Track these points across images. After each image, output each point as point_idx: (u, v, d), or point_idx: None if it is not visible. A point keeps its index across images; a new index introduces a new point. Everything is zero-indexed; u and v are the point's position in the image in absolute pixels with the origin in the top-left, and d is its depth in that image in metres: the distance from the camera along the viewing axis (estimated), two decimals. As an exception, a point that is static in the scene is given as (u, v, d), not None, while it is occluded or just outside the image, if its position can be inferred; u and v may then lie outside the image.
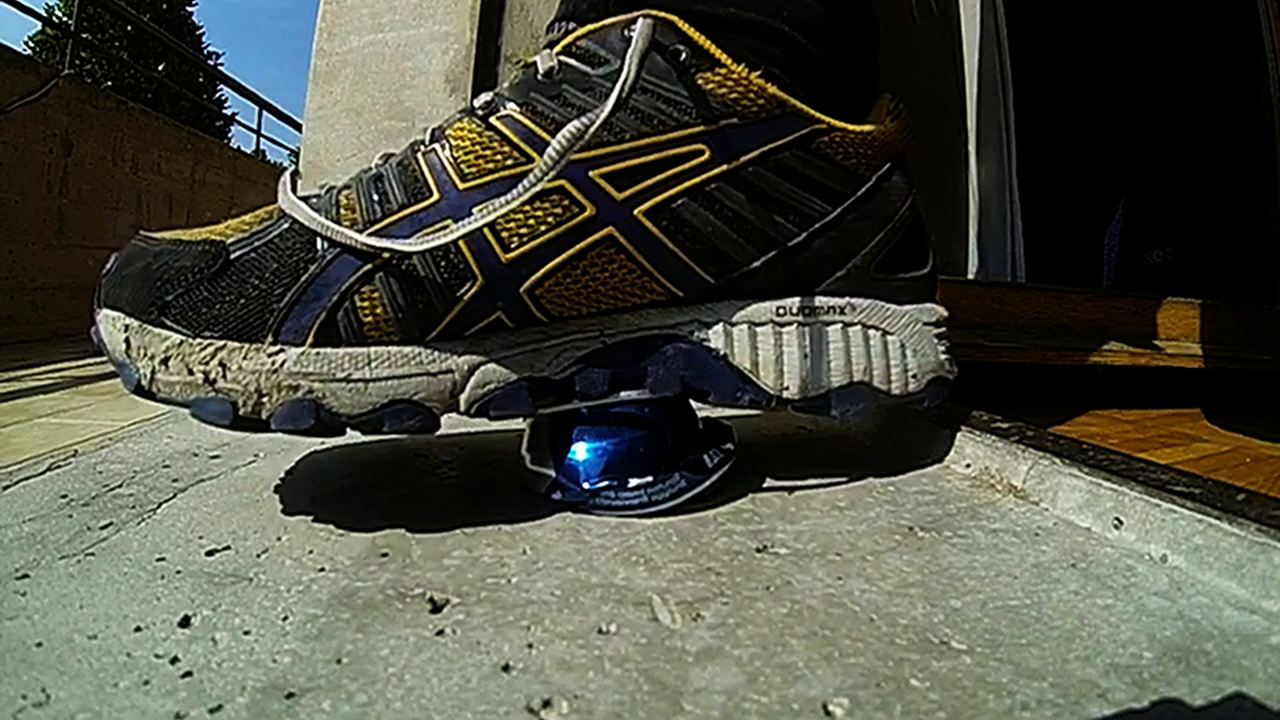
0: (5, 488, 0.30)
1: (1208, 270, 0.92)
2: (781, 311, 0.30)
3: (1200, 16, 0.96)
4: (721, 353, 0.30)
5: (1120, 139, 0.97)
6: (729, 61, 0.28)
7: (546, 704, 0.17)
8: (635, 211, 0.27)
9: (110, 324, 0.26)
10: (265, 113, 6.29)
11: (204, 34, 9.92)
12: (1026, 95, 0.84)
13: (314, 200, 0.28)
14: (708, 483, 0.29)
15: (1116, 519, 0.27)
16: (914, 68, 0.87)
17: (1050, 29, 0.92)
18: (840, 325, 0.30)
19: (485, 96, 0.28)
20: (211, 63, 9.62)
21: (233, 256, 0.27)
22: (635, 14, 0.27)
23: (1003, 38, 0.84)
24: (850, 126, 0.30)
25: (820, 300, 0.30)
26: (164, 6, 9.05)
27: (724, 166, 0.28)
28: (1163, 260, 0.99)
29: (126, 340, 0.26)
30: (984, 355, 0.59)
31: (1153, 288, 0.73)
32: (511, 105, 0.28)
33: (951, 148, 0.87)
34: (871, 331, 0.31)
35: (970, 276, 0.84)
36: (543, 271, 0.27)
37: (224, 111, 9.49)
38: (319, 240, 0.27)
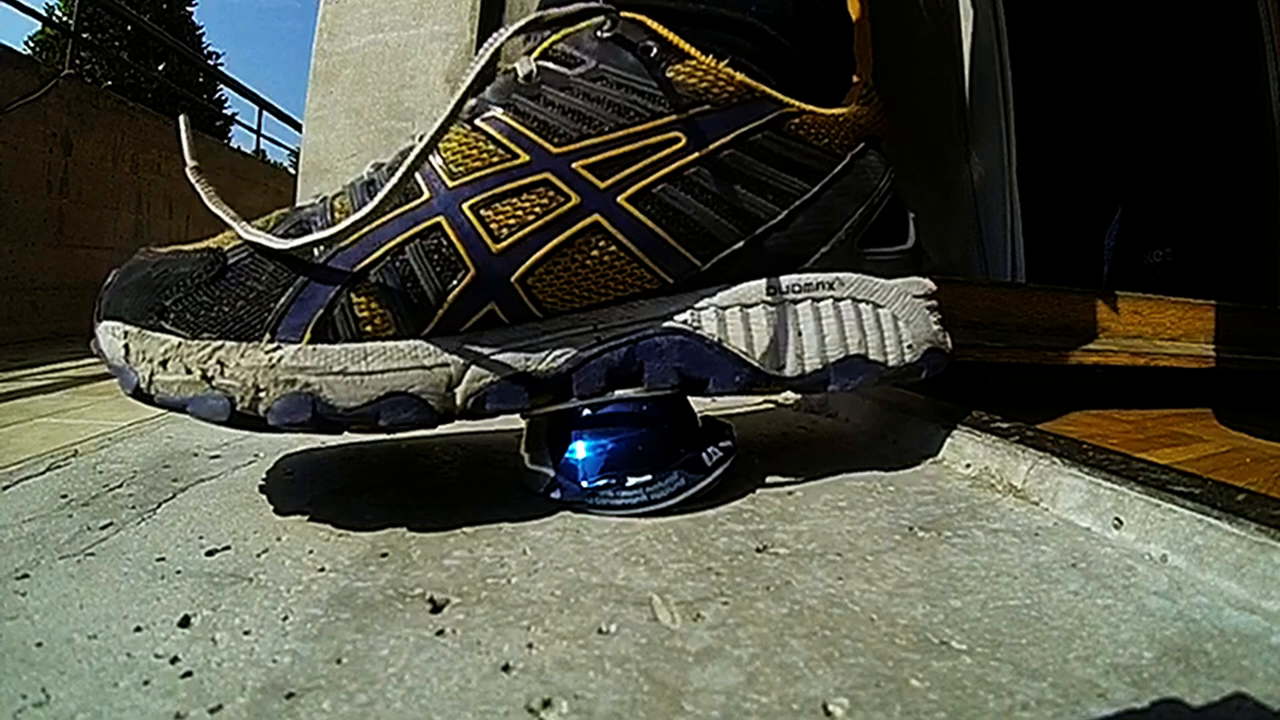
0: (5, 488, 0.30)
1: (1208, 270, 0.92)
2: (771, 291, 0.31)
3: (1200, 16, 0.96)
4: (716, 338, 0.30)
5: (1120, 139, 0.97)
6: (697, 53, 0.29)
7: (546, 704, 0.17)
8: (619, 199, 0.28)
9: (109, 333, 0.26)
10: (265, 113, 6.30)
11: (204, 34, 9.92)
12: (1026, 95, 0.84)
13: (309, 208, 0.29)
14: (707, 481, 0.29)
15: (1116, 519, 0.27)
16: (914, 66, 0.87)
17: (1050, 28, 0.92)
18: (831, 300, 0.31)
19: (470, 102, 0.29)
20: (211, 63, 9.61)
21: (230, 261, 0.27)
22: (598, 6, 0.28)
23: (1002, 37, 0.84)
24: (820, 109, 0.31)
25: (808, 277, 0.31)
26: (164, 6, 9.04)
27: (700, 151, 0.29)
28: (1163, 260, 0.99)
29: (126, 346, 0.26)
30: (984, 355, 0.58)
31: (1153, 288, 0.73)
32: (495, 108, 0.29)
33: (951, 147, 0.87)
34: (862, 305, 0.31)
35: (970, 276, 0.84)
36: (533, 260, 0.28)
37: (224, 111, 9.49)
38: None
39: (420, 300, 0.27)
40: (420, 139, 0.26)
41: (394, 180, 0.26)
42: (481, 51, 0.26)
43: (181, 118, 0.30)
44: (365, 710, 0.17)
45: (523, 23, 0.27)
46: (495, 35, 0.26)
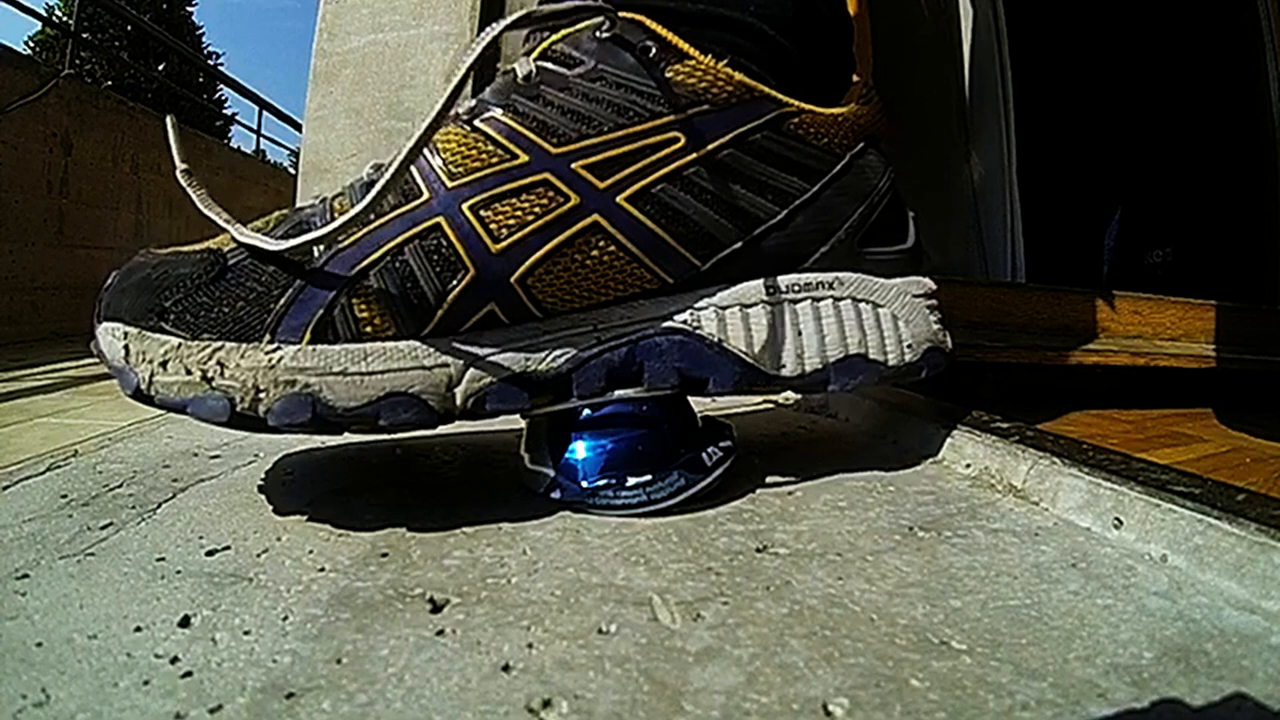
0: (5, 488, 0.30)
1: (1208, 270, 0.92)
2: (771, 290, 0.30)
3: (1200, 16, 0.96)
4: (716, 338, 0.30)
5: (1120, 139, 0.97)
6: (696, 53, 0.29)
7: (546, 704, 0.17)
8: (618, 199, 0.28)
9: (109, 334, 0.26)
10: (265, 113, 6.30)
11: (204, 34, 9.91)
12: (1026, 95, 0.84)
13: (309, 209, 0.29)
14: (707, 481, 0.29)
15: (1116, 519, 0.27)
16: (914, 66, 0.87)
17: (1050, 28, 0.92)
18: (830, 300, 0.31)
19: (469, 103, 0.30)
20: (211, 63, 9.60)
21: (230, 263, 0.27)
22: (594, 5, 0.28)
23: (1002, 37, 0.84)
24: (819, 109, 0.31)
25: (808, 277, 0.31)
26: (164, 6, 9.03)
27: (699, 151, 0.29)
28: (1163, 260, 0.99)
29: (126, 347, 0.26)
30: (984, 355, 0.58)
31: (1153, 288, 0.73)
32: (495, 109, 0.29)
33: (951, 147, 0.87)
34: (862, 305, 0.31)
35: (970, 276, 0.84)
36: (533, 260, 0.28)
37: (224, 111, 9.48)
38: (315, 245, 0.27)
39: (420, 301, 0.27)
40: (429, 119, 0.26)
41: (388, 174, 0.26)
42: (474, 44, 0.26)
43: (169, 119, 0.30)
44: (365, 710, 0.17)
45: (514, 18, 0.27)
46: (488, 29, 0.26)
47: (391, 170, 0.26)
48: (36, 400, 1.88)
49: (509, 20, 0.27)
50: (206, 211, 0.28)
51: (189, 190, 0.28)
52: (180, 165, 0.29)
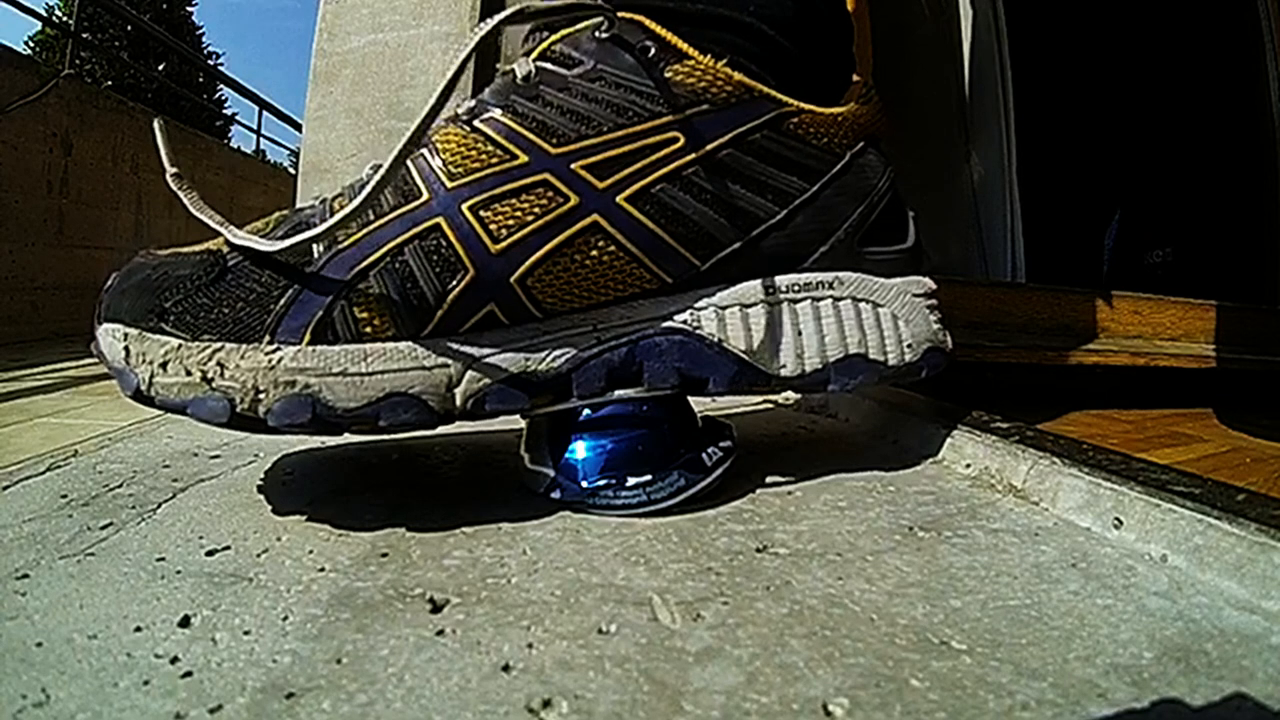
0: (5, 488, 0.30)
1: (1208, 270, 0.92)
2: (770, 290, 0.30)
3: (1200, 16, 0.96)
4: (716, 338, 0.30)
5: (1120, 140, 0.97)
6: (695, 53, 0.29)
7: (546, 704, 0.17)
8: (618, 199, 0.28)
9: (109, 335, 0.26)
10: (265, 113, 6.30)
11: (204, 34, 9.90)
12: (1026, 95, 0.84)
13: (308, 210, 0.29)
14: (707, 481, 0.29)
15: (1116, 519, 0.27)
16: (914, 66, 0.87)
17: (1050, 28, 0.92)
18: (830, 300, 0.31)
19: (469, 103, 0.30)
20: (211, 63, 9.60)
21: (230, 264, 0.27)
22: (591, 4, 0.28)
23: (1002, 37, 0.84)
24: (819, 108, 0.31)
25: (808, 276, 0.31)
26: (164, 6, 9.03)
27: (699, 151, 0.29)
28: (1163, 260, 0.99)
29: (126, 349, 0.26)
30: (984, 355, 0.58)
31: (1153, 288, 0.73)
32: (494, 109, 0.29)
33: (951, 147, 0.87)
34: (862, 304, 0.31)
35: (970, 276, 0.84)
36: (532, 260, 0.28)
37: (224, 111, 9.48)
38: (314, 245, 0.27)
39: (420, 301, 0.27)
40: (424, 112, 0.26)
41: (384, 168, 0.26)
42: (469, 38, 0.26)
43: (156, 123, 0.30)
44: (365, 710, 0.17)
45: (510, 11, 0.27)
46: (482, 24, 0.26)
47: (386, 165, 0.26)
48: (36, 400, 1.88)
49: (500, 17, 0.27)
50: (198, 215, 0.28)
51: (180, 194, 0.28)
52: (170, 170, 0.29)
